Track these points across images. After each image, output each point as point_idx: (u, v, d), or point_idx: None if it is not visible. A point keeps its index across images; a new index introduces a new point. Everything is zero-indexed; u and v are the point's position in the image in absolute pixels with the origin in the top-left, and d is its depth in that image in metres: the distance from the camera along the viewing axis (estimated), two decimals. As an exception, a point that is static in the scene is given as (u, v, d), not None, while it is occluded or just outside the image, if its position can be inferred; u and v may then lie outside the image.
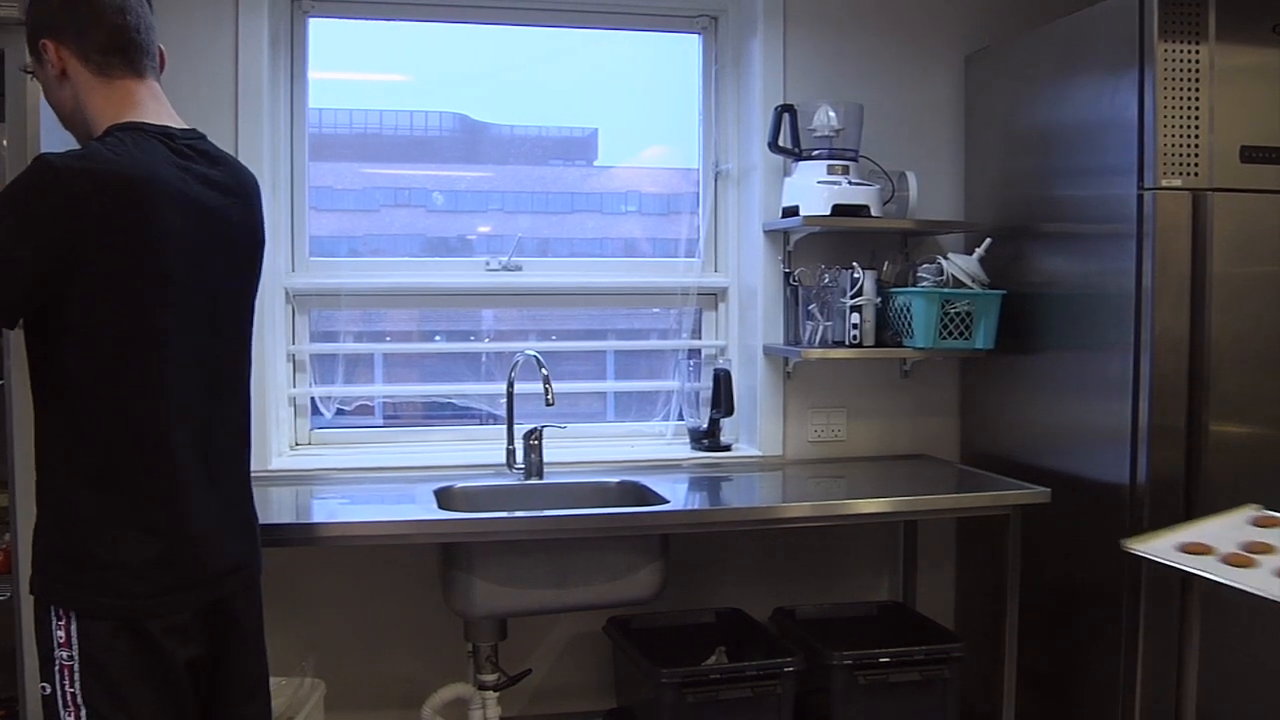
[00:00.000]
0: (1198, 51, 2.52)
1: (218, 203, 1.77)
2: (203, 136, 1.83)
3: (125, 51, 1.74)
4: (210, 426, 1.77)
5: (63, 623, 1.65)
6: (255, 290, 1.92)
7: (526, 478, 2.97)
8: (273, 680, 2.65)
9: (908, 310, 3.03)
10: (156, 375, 1.68)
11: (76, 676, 1.65)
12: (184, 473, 1.72)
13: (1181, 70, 2.52)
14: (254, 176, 1.93)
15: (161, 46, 1.84)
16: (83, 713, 1.65)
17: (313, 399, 3.19)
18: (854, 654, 2.75)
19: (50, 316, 1.61)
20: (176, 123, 1.79)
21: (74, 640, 1.65)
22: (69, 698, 1.65)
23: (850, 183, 3.02)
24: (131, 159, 1.64)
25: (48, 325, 1.62)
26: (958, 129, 3.34)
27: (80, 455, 1.66)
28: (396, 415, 3.36)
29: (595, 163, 3.49)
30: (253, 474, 2.89)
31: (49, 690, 1.66)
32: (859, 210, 3.00)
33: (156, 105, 1.77)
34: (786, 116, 3.09)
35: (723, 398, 3.22)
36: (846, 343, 3.04)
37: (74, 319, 1.61)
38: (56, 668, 1.65)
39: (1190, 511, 2.56)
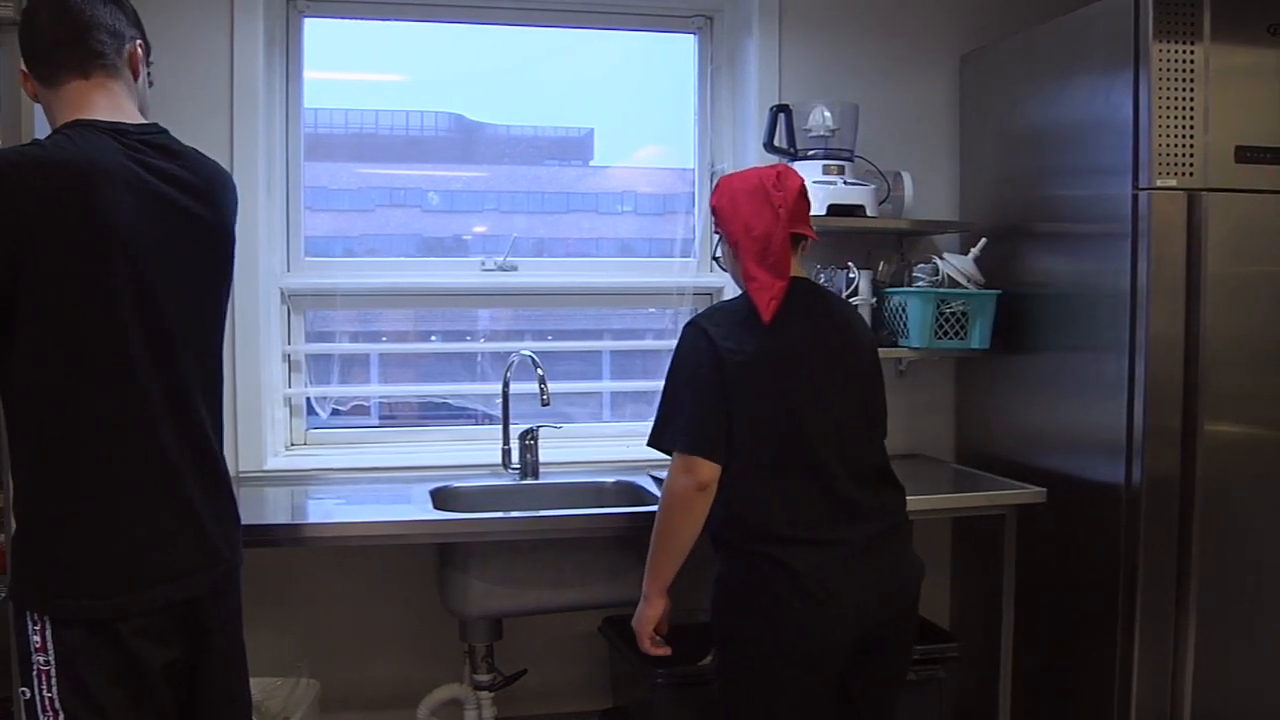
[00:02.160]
0: (1193, 52, 2.53)
1: (175, 197, 1.74)
2: (163, 131, 1.80)
3: (66, 57, 1.73)
4: (175, 422, 1.73)
5: (38, 627, 1.64)
6: (225, 285, 1.88)
7: (522, 478, 2.97)
8: (269, 680, 2.67)
9: (903, 310, 3.03)
10: (114, 369, 1.66)
11: (54, 682, 1.64)
12: (144, 469, 1.69)
13: (1176, 70, 2.52)
14: (223, 171, 1.91)
15: (138, 43, 1.82)
16: (60, 717, 1.64)
17: (308, 399, 3.19)
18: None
19: (5, 314, 1.60)
20: (133, 119, 1.77)
21: (49, 645, 1.64)
22: (47, 703, 1.64)
23: (846, 183, 3.02)
24: (72, 149, 1.64)
25: (4, 323, 1.61)
26: (953, 129, 3.35)
27: (42, 453, 1.65)
28: (392, 415, 3.36)
29: (591, 163, 3.49)
30: (249, 474, 2.94)
31: (28, 695, 1.65)
32: (854, 210, 3.01)
33: (109, 102, 1.75)
34: (782, 116, 3.09)
35: (718, 398, 3.22)
36: (842, 343, 3.04)
37: (28, 315, 1.60)
38: (35, 672, 1.64)
39: (1185, 512, 2.57)
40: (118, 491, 1.68)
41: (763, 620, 2.03)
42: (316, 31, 3.15)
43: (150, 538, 1.70)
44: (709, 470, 1.98)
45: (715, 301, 3.40)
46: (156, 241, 1.70)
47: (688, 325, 2.11)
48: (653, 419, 2.12)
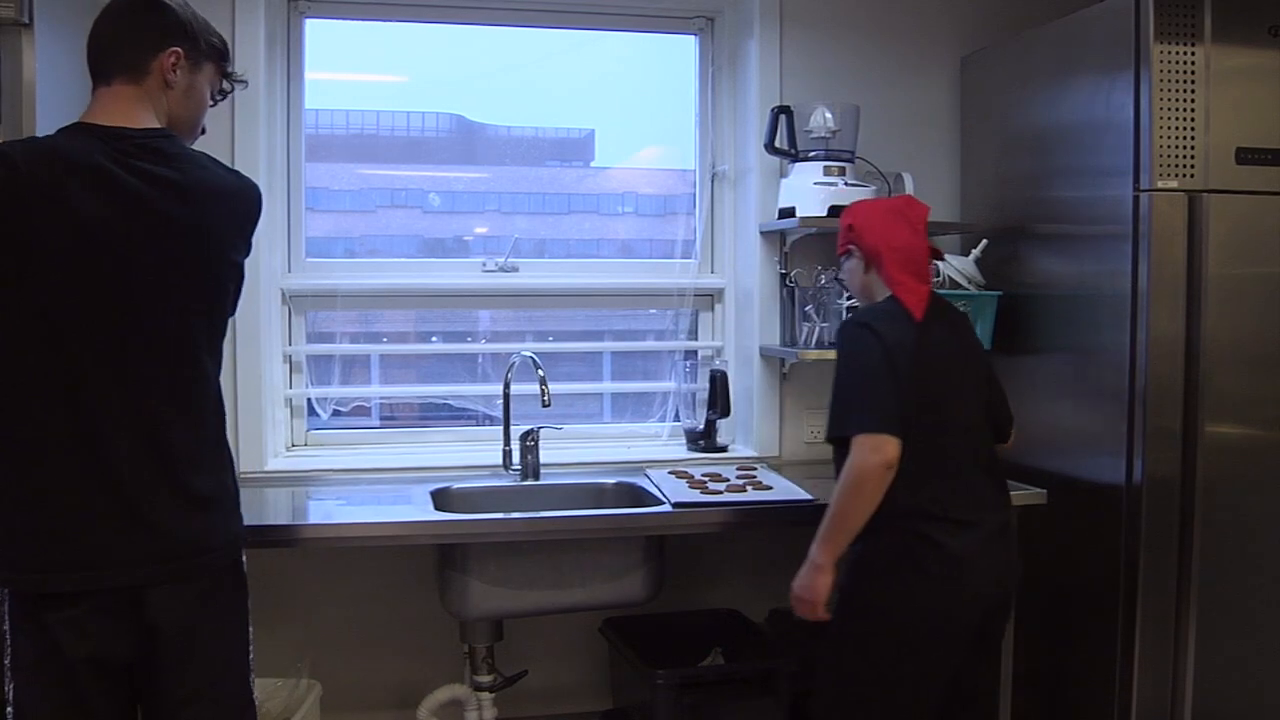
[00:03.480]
0: (1193, 53, 2.53)
1: (150, 194, 1.73)
2: (166, 137, 1.80)
3: (93, 65, 1.82)
4: (120, 408, 1.71)
5: None
6: (207, 284, 1.81)
7: (523, 479, 2.97)
8: (269, 681, 2.67)
9: (904, 311, 3.03)
10: (44, 349, 1.68)
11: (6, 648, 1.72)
12: (67, 446, 1.69)
13: (1177, 72, 2.52)
14: (228, 179, 1.87)
15: (174, 51, 1.82)
16: (8, 680, 1.69)
17: (309, 400, 3.19)
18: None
19: None
20: (136, 124, 1.78)
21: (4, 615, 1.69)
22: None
23: (847, 184, 3.02)
24: (42, 144, 1.72)
25: None
26: (954, 130, 3.35)
27: None
28: (393, 416, 3.36)
29: (592, 164, 3.49)
30: (250, 475, 2.94)
31: None
32: (855, 211, 3.01)
33: (116, 106, 1.78)
34: (783, 118, 3.09)
35: (719, 399, 3.23)
36: (843, 344, 3.04)
37: None
38: None
39: (1186, 513, 2.57)
40: (39, 469, 1.68)
41: (909, 594, 2.18)
42: (317, 32, 3.15)
43: (77, 521, 1.69)
44: (895, 448, 2.11)
45: (717, 302, 3.41)
46: (122, 236, 1.70)
47: (849, 325, 2.29)
48: (828, 415, 2.24)
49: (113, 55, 1.80)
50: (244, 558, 1.90)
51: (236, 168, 2.87)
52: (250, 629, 1.91)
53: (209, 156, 1.88)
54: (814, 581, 2.20)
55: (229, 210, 1.86)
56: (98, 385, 1.70)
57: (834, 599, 2.26)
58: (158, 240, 1.74)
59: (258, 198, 1.93)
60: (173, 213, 1.75)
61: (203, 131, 1.97)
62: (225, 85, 1.97)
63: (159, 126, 1.82)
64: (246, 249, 1.89)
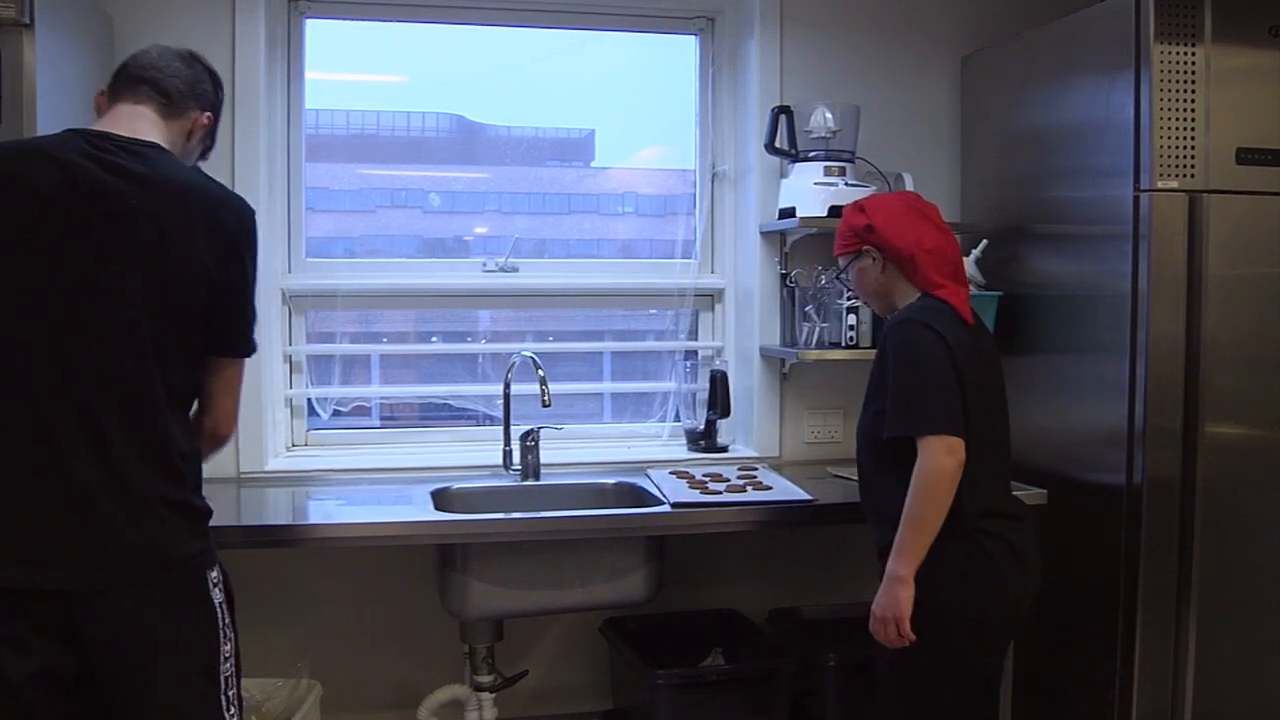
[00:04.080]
0: (1194, 53, 2.53)
1: (107, 179, 1.73)
2: (155, 147, 1.81)
3: (132, 84, 1.89)
4: (57, 397, 1.69)
5: None
6: (153, 280, 1.73)
7: (523, 479, 2.97)
8: (269, 681, 2.67)
9: (904, 311, 3.03)
10: None
11: None
12: (14, 441, 1.68)
13: (1178, 72, 2.52)
14: (203, 184, 1.83)
15: (208, 116, 1.96)
16: None
17: (309, 400, 3.19)
18: (850, 655, 2.75)
19: None
20: (134, 135, 1.81)
21: None
22: None
23: (847, 184, 3.02)
24: (23, 141, 1.82)
25: None
26: (954, 130, 3.35)
27: None
28: (393, 416, 3.36)
29: (592, 164, 3.49)
30: (250, 475, 2.94)
31: None
32: (856, 211, 3.01)
33: (129, 121, 1.84)
34: (783, 118, 3.09)
35: (719, 399, 3.23)
36: (843, 344, 3.04)
37: None
38: None
39: (1186, 513, 2.57)
40: None
41: (985, 591, 2.19)
42: (318, 32, 3.15)
43: (21, 518, 1.68)
44: (963, 449, 2.12)
45: (717, 302, 3.41)
46: (62, 215, 1.71)
47: (909, 324, 2.22)
48: (890, 413, 2.18)
49: (164, 86, 1.88)
50: (213, 575, 1.81)
51: (236, 167, 2.92)
52: (226, 648, 1.82)
53: (203, 172, 1.90)
54: (898, 596, 2.13)
55: (199, 211, 1.78)
56: (44, 375, 1.69)
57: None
58: (104, 222, 1.71)
59: (238, 210, 1.84)
60: (127, 198, 1.73)
61: None
62: (208, 142, 2.05)
63: (155, 141, 1.83)
64: (223, 264, 1.78)
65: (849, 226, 2.37)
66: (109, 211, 1.72)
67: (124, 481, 1.71)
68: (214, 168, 2.89)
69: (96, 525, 1.69)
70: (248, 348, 1.89)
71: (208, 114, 1.96)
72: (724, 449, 3.27)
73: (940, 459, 2.10)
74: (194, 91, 1.92)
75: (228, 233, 1.81)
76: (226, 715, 1.82)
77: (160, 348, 1.74)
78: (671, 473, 2.96)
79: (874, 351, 3.00)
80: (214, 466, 2.93)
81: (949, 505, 2.12)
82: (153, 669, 1.74)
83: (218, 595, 1.82)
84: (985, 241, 3.05)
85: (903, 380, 2.17)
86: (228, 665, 1.84)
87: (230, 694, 1.84)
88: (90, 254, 1.71)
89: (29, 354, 1.69)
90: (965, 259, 3.00)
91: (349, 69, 3.24)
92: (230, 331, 1.85)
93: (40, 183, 1.71)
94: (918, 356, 2.17)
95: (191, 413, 1.87)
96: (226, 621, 1.84)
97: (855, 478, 2.44)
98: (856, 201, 2.42)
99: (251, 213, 1.87)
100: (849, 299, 3.00)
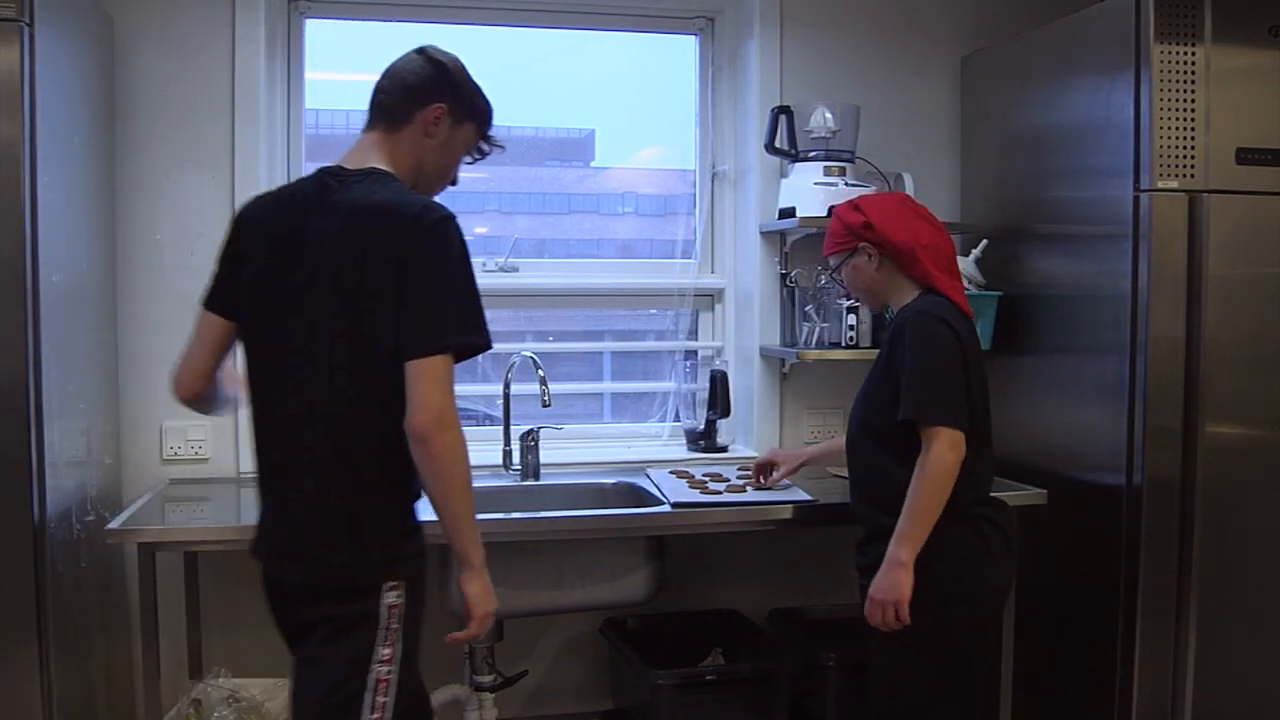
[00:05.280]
0: (1194, 53, 2.53)
1: (317, 210, 1.87)
2: (373, 172, 1.90)
3: (368, 115, 2.00)
4: (280, 407, 1.90)
5: None
6: (339, 299, 1.81)
7: (523, 479, 2.97)
8: (269, 681, 2.67)
9: (904, 311, 3.03)
10: (247, 348, 1.94)
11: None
12: (260, 440, 1.93)
13: (1177, 72, 2.53)
14: (380, 198, 1.85)
15: (436, 107, 1.94)
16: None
17: (309, 400, 3.18)
18: (849, 655, 2.75)
19: None
20: (362, 165, 1.92)
21: None
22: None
23: (847, 184, 3.02)
24: (281, 187, 2.04)
25: None
26: (954, 130, 3.35)
27: None
28: (393, 416, 3.35)
29: (592, 164, 3.49)
30: (249, 475, 2.92)
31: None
32: (856, 211, 3.01)
33: (359, 151, 1.96)
34: (783, 118, 3.09)
35: (719, 399, 3.23)
36: (843, 344, 3.04)
37: None
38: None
39: (1186, 513, 2.57)
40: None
41: (983, 577, 2.27)
42: (318, 32, 3.15)
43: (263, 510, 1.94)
44: (964, 443, 2.20)
45: (717, 302, 3.41)
46: (271, 268, 1.87)
47: (922, 315, 2.27)
48: (905, 396, 2.22)
49: (380, 106, 1.96)
50: (387, 594, 1.84)
51: (236, 167, 2.92)
52: (375, 669, 1.84)
53: (403, 188, 1.90)
54: (899, 581, 2.18)
55: (370, 225, 1.81)
56: (271, 383, 1.89)
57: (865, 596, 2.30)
58: (308, 251, 1.84)
59: (411, 216, 1.82)
60: (325, 228, 1.84)
61: (452, 183, 2.08)
62: (483, 146, 2.06)
63: (376, 166, 1.92)
64: (401, 271, 1.78)
65: (844, 225, 2.39)
66: (307, 239, 1.84)
67: (307, 488, 1.89)
68: (214, 167, 2.92)
69: (280, 527, 1.94)
70: (421, 350, 1.79)
71: (438, 105, 1.94)
72: (724, 449, 3.27)
73: (946, 451, 2.17)
74: (412, 94, 1.94)
75: (392, 241, 1.80)
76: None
77: (353, 371, 1.82)
78: (671, 473, 2.96)
79: (874, 351, 3.03)
80: (214, 466, 2.96)
81: (949, 494, 2.18)
82: (319, 664, 1.92)
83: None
84: (985, 241, 3.05)
85: (919, 369, 2.22)
86: (370, 685, 1.87)
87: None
88: (290, 277, 1.84)
89: (272, 389, 1.90)
90: (965, 259, 3.02)
91: (349, 69, 3.24)
92: (412, 332, 1.80)
93: (276, 227, 1.89)
94: (934, 348, 2.22)
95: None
96: (380, 644, 1.89)
97: (849, 478, 2.45)
98: (850, 200, 2.44)
99: (432, 216, 1.83)
100: (849, 298, 3.00)
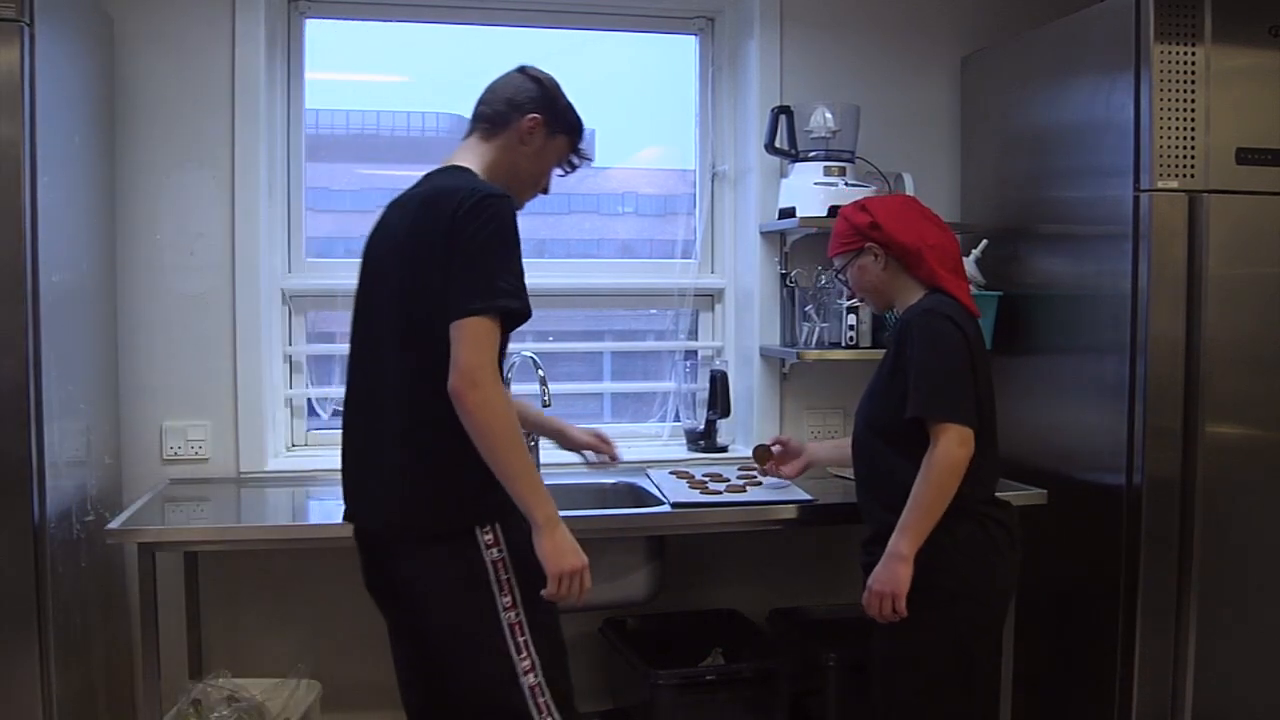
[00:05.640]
0: (1194, 53, 2.53)
1: (393, 209, 2.08)
2: (453, 168, 2.07)
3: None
4: (364, 382, 2.10)
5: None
6: (415, 283, 1.95)
7: (523, 479, 2.96)
8: (269, 680, 2.67)
9: (904, 311, 3.03)
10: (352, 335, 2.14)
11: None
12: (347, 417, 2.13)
13: (1177, 72, 2.52)
14: (437, 186, 2.00)
15: (530, 118, 2.10)
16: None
17: (309, 400, 3.19)
18: (850, 655, 2.75)
19: None
20: (444, 164, 2.09)
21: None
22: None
23: (847, 184, 3.02)
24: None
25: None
26: (954, 130, 3.35)
27: None
28: (393, 416, 3.35)
29: (592, 164, 3.48)
30: (250, 475, 2.95)
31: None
32: (855, 212, 3.00)
33: (457, 154, 2.11)
34: (783, 118, 3.09)
35: (719, 399, 3.23)
36: (843, 344, 3.04)
37: None
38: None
39: (1186, 513, 2.57)
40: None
41: (989, 575, 2.29)
42: (318, 32, 3.15)
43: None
44: (973, 440, 2.21)
45: (717, 302, 3.41)
46: (371, 258, 2.10)
47: (930, 314, 2.28)
48: (914, 392, 2.22)
49: (480, 114, 2.13)
50: (484, 537, 1.96)
51: (236, 167, 2.93)
52: (500, 602, 1.95)
53: (473, 178, 2.02)
54: (898, 573, 2.20)
55: (427, 207, 1.97)
56: (358, 366, 2.09)
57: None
58: (383, 245, 2.06)
59: (451, 195, 1.94)
60: (398, 217, 2.04)
61: (544, 190, 2.22)
62: (574, 159, 2.22)
63: (459, 164, 2.07)
64: (442, 248, 1.91)
65: (851, 225, 2.40)
66: (383, 242, 2.07)
67: (383, 454, 2.07)
68: (214, 167, 2.92)
69: (358, 486, 2.18)
70: (458, 313, 1.91)
71: (533, 115, 2.09)
72: (724, 449, 3.27)
73: (954, 448, 2.17)
74: (513, 103, 2.10)
75: (438, 220, 1.93)
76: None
77: (410, 351, 1.97)
78: (671, 473, 2.96)
79: (874, 351, 3.04)
80: (214, 466, 2.96)
81: (955, 491, 2.19)
82: (428, 625, 2.06)
83: None
84: (985, 241, 3.05)
85: (927, 366, 2.23)
86: (502, 628, 1.99)
87: (513, 654, 2.01)
88: (373, 273, 2.08)
89: (356, 356, 2.11)
90: (965, 259, 3.01)
91: (349, 69, 3.24)
92: (451, 298, 1.91)
93: (377, 224, 2.11)
94: (941, 346, 2.24)
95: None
96: (489, 581, 2.00)
97: (854, 477, 2.45)
98: (856, 201, 2.45)
99: (478, 193, 1.94)
100: (849, 298, 3.00)
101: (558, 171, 2.22)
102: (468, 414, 1.87)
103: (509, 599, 1.95)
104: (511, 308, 1.95)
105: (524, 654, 1.97)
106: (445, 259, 1.90)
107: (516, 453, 1.91)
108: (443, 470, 1.95)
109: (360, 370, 2.09)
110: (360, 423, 2.08)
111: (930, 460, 2.18)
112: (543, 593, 1.95)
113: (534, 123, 2.10)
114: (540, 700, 1.99)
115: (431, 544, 1.97)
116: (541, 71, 2.17)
